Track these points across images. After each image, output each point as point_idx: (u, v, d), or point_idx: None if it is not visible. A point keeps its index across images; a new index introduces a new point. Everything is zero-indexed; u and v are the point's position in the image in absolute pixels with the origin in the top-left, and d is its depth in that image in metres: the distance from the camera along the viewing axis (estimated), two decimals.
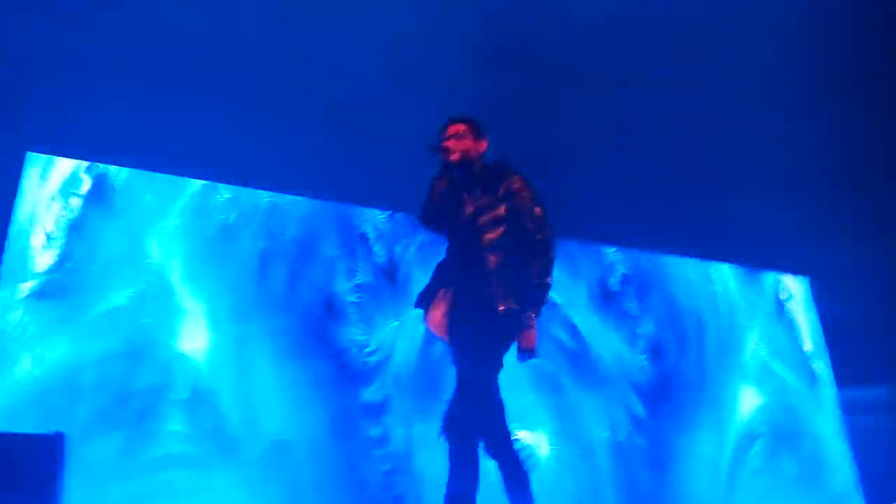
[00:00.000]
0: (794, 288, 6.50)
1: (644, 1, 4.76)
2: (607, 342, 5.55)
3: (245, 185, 4.88)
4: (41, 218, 4.37)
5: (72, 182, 4.50)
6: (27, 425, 3.87)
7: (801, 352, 6.32)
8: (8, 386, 4.04)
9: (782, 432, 5.90)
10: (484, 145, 3.16)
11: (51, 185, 4.46)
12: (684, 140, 5.35)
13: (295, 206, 4.98)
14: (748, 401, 5.91)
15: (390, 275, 5.06)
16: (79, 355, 4.20)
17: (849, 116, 5.31)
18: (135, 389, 4.24)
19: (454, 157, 3.08)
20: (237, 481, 4.27)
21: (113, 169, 4.59)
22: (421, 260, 5.02)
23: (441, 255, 3.12)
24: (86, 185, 4.52)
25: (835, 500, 5.83)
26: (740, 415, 5.83)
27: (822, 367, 6.31)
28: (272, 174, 4.89)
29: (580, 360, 5.39)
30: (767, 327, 6.26)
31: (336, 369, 4.72)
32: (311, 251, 4.93)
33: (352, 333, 4.84)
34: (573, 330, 5.46)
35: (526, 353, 2.89)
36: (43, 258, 4.31)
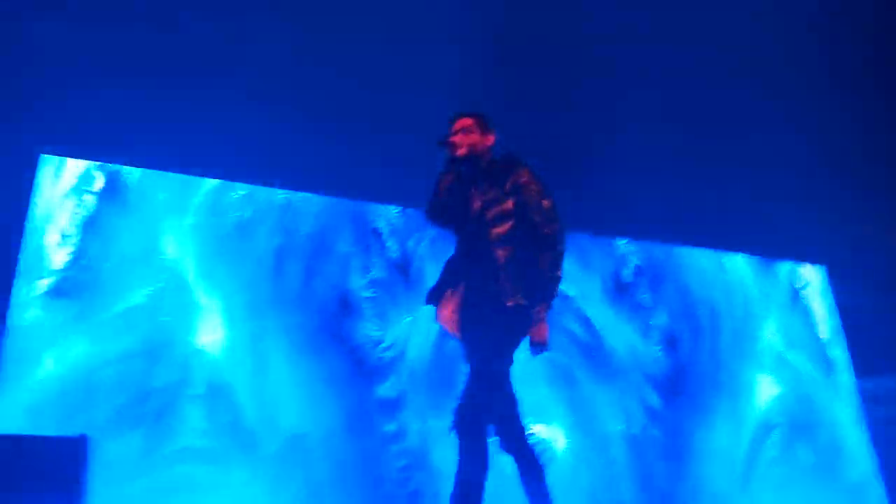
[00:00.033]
0: (811, 276, 6.46)
1: None
2: (621, 334, 5.54)
3: (258, 183, 4.90)
4: (56, 216, 4.42)
5: (86, 180, 4.55)
6: (49, 424, 3.95)
7: (818, 341, 6.28)
8: (30, 384, 4.09)
9: (799, 422, 5.87)
10: (491, 139, 3.14)
11: (65, 183, 4.50)
12: (698, 130, 5.31)
13: (309, 202, 5.00)
14: (764, 391, 5.88)
15: (404, 269, 5.08)
16: (97, 354, 4.25)
17: (866, 104, 5.25)
18: (153, 387, 4.29)
19: (461, 151, 3.06)
20: (255, 476, 4.31)
21: (126, 168, 4.64)
22: (433, 254, 5.03)
23: (451, 250, 3.10)
24: (99, 183, 4.56)
25: (853, 489, 5.80)
26: (756, 405, 5.81)
27: (839, 355, 6.27)
28: (285, 172, 4.91)
29: (594, 352, 5.38)
30: (783, 317, 6.23)
31: (351, 365, 4.75)
32: (326, 247, 4.96)
33: (366, 329, 4.87)
34: (587, 323, 5.45)
35: (538, 346, 2.87)
36: (59, 256, 4.36)
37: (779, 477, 5.59)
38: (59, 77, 4.42)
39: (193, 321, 4.52)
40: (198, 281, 4.60)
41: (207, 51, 4.53)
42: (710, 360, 5.79)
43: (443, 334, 4.65)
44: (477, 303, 2.92)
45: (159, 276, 4.52)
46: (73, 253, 4.38)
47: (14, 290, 4.22)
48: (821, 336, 6.30)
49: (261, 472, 4.33)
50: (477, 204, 3.01)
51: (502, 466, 2.83)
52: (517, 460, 2.85)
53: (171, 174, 4.72)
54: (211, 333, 4.53)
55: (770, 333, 6.11)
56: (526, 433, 2.91)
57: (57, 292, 4.30)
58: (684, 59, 4.99)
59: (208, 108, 4.62)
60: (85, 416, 4.07)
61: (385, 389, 4.77)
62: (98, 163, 4.58)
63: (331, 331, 4.78)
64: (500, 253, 2.89)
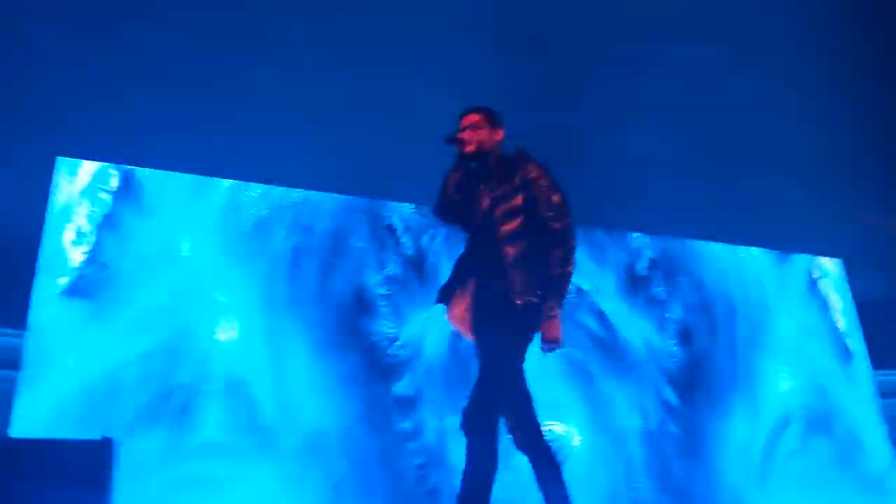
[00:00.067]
0: (827, 268, 6.41)
1: None
2: (637, 328, 5.53)
3: (273, 183, 4.93)
4: (74, 217, 4.47)
5: (103, 181, 4.59)
6: (72, 424, 4.04)
7: (835, 333, 6.24)
8: (53, 384, 4.16)
9: (817, 414, 5.84)
10: (500, 134, 3.09)
11: (82, 184, 4.55)
12: (713, 124, 5.27)
13: (324, 200, 5.03)
14: (781, 384, 5.86)
15: (418, 266, 5.09)
16: (119, 353, 4.31)
17: (883, 95, 5.19)
18: (174, 384, 4.35)
19: (469, 148, 3.02)
20: (273, 473, 4.35)
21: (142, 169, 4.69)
22: (448, 251, 5.04)
23: (463, 247, 3.08)
24: (116, 182, 4.60)
25: (873, 481, 5.77)
26: (773, 398, 5.78)
27: (857, 348, 6.22)
28: (299, 173, 4.93)
29: (610, 347, 5.37)
30: (800, 308, 6.19)
31: (367, 363, 4.78)
32: (342, 244, 4.98)
33: (382, 326, 4.89)
34: (602, 317, 5.45)
35: (550, 344, 2.83)
36: (78, 257, 4.41)
37: (797, 469, 5.56)
38: (74, 81, 4.46)
39: (212, 319, 4.57)
40: (216, 279, 4.65)
41: (220, 53, 4.55)
42: (727, 354, 5.76)
43: (458, 332, 4.67)
44: (487, 301, 2.89)
45: (178, 274, 4.57)
46: (91, 253, 4.44)
47: (34, 291, 4.28)
48: (838, 328, 6.25)
49: (279, 468, 4.37)
50: (486, 201, 2.98)
51: (519, 466, 2.83)
52: (532, 459, 2.83)
53: (186, 175, 4.77)
54: (229, 331, 4.58)
55: (787, 325, 6.08)
56: (541, 431, 2.87)
57: (77, 292, 4.36)
58: (699, 51, 4.95)
59: (221, 110, 4.64)
60: (108, 414, 4.14)
61: (402, 387, 4.80)
62: (113, 165, 4.62)
63: (347, 328, 4.81)
64: (510, 250, 2.85)
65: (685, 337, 5.66)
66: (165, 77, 4.56)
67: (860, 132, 5.36)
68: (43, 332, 4.22)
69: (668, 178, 5.38)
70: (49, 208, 4.44)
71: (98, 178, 4.58)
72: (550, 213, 2.88)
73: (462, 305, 2.97)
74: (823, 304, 6.30)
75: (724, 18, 4.87)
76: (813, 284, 6.32)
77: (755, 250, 6.17)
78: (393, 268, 5.04)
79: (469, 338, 2.98)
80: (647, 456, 5.16)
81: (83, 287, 4.37)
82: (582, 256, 5.48)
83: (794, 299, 6.21)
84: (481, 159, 3.05)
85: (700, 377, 5.57)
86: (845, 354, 6.19)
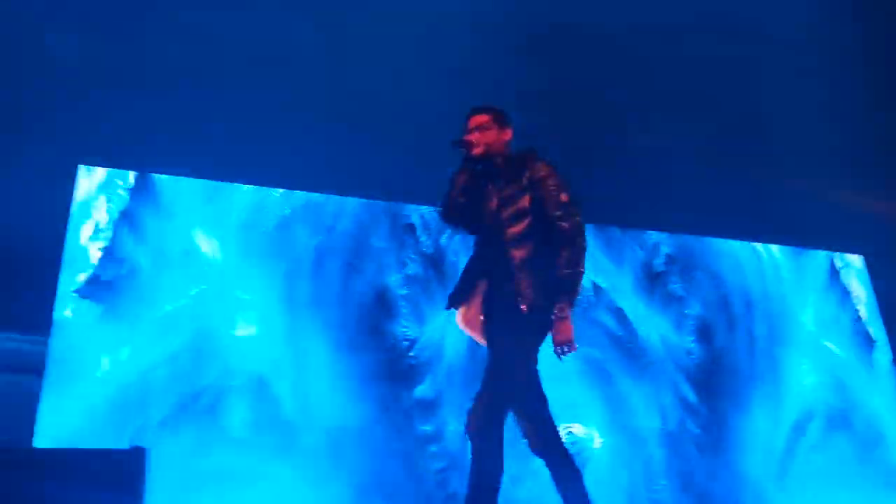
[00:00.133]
0: (849, 262, 6.34)
1: None
2: (655, 326, 5.52)
3: (295, 188, 4.97)
4: (96, 223, 4.54)
5: (126, 186, 4.65)
6: (99, 429, 4.13)
7: (855, 326, 6.17)
8: (80, 389, 4.25)
9: (838, 409, 5.79)
10: (508, 134, 3.06)
11: (104, 189, 4.62)
12: (731, 119, 5.25)
13: (345, 201, 5.05)
14: (802, 379, 5.81)
15: (438, 264, 5.12)
16: (147, 355, 4.40)
17: None
18: (201, 385, 4.42)
19: (477, 150, 2.99)
20: (295, 474, 4.40)
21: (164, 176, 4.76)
22: (467, 249, 5.04)
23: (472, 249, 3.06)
24: (138, 188, 4.67)
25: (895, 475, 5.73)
26: (794, 393, 5.74)
27: (879, 343, 6.16)
28: (317, 177, 4.96)
29: (628, 346, 5.37)
30: (820, 302, 6.13)
31: (388, 364, 4.81)
32: (363, 244, 5.01)
33: (403, 328, 4.92)
34: (620, 315, 5.43)
35: (562, 346, 2.75)
36: (100, 261, 4.48)
37: (819, 465, 5.52)
38: (93, 89, 4.53)
39: (236, 320, 4.63)
40: (238, 279, 4.71)
41: (239, 60, 4.60)
42: (746, 350, 5.73)
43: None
44: (496, 305, 2.87)
45: (201, 275, 4.63)
46: (114, 257, 4.51)
47: (59, 296, 4.35)
48: (859, 323, 6.19)
49: (301, 469, 4.42)
50: (493, 203, 2.95)
51: (538, 469, 2.84)
52: (549, 462, 2.80)
53: (207, 181, 4.83)
54: (251, 330, 4.64)
55: (806, 320, 6.03)
56: (558, 434, 2.84)
57: (100, 297, 4.43)
58: (717, 48, 4.93)
59: (241, 116, 4.69)
60: (134, 419, 4.26)
61: (422, 389, 4.83)
62: (136, 172, 4.70)
63: (368, 328, 4.85)
64: (516, 253, 2.82)
65: (703, 333, 5.63)
66: (184, 85, 4.62)
67: (881, 127, 5.31)
68: (66, 337, 4.30)
69: (685, 175, 5.37)
70: (71, 217, 4.51)
71: (117, 184, 4.64)
72: (558, 213, 2.83)
73: (473, 309, 2.94)
74: (844, 297, 6.23)
75: (741, 14, 4.85)
76: (833, 278, 6.25)
77: (774, 247, 6.12)
78: (413, 267, 5.06)
79: (481, 342, 2.95)
80: (667, 456, 5.15)
81: (106, 292, 4.44)
82: (598, 254, 5.51)
83: (813, 293, 6.15)
84: (489, 160, 3.01)
85: (719, 374, 5.54)
86: (866, 347, 6.13)
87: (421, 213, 5.17)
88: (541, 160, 2.97)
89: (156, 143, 4.66)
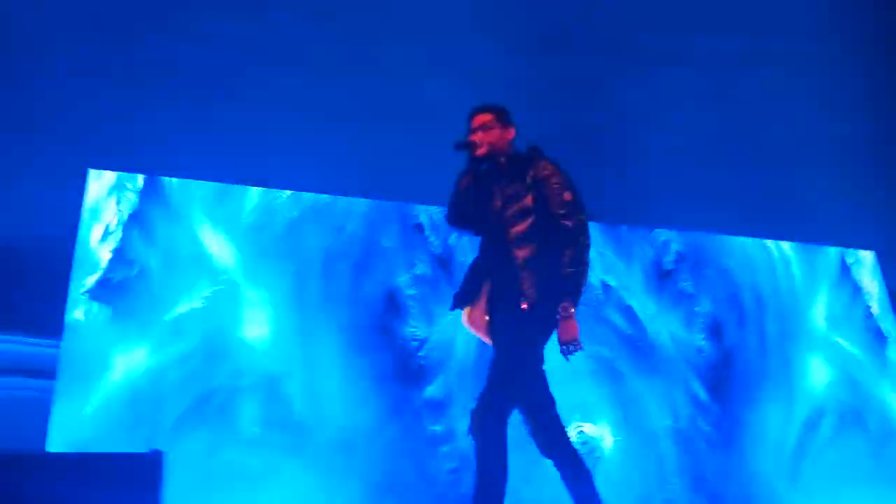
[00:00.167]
0: (860, 258, 6.30)
1: None
2: (665, 324, 5.50)
3: (301, 189, 4.99)
4: (107, 227, 4.57)
5: (135, 189, 4.67)
6: (112, 432, 4.16)
7: (868, 323, 6.13)
8: (92, 391, 4.27)
9: (850, 405, 5.76)
10: (511, 133, 3.06)
11: (115, 193, 4.64)
12: (740, 116, 5.22)
13: (354, 202, 5.07)
14: (813, 376, 5.78)
15: (446, 265, 5.12)
16: (159, 357, 4.43)
17: None
18: (213, 387, 4.44)
19: (481, 151, 2.99)
20: (307, 475, 4.42)
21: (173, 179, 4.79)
22: (475, 250, 5.05)
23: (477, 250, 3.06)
24: (148, 190, 4.68)
25: None
26: (805, 391, 5.72)
27: (891, 339, 6.12)
28: (327, 178, 4.98)
29: (638, 344, 5.35)
30: (831, 297, 6.10)
31: (399, 364, 4.82)
32: (372, 244, 5.02)
33: (413, 327, 4.93)
34: (629, 313, 5.43)
35: (567, 345, 2.75)
36: (110, 265, 4.51)
37: (832, 462, 5.49)
38: (102, 94, 4.56)
39: (246, 321, 4.65)
40: (247, 280, 4.72)
41: (244, 63, 4.61)
42: (757, 347, 5.70)
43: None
44: (501, 305, 2.87)
45: (213, 278, 4.66)
46: (123, 259, 4.54)
47: (70, 299, 4.38)
48: (871, 318, 6.15)
49: (313, 469, 4.44)
50: (498, 202, 2.95)
51: (547, 469, 2.83)
52: (558, 463, 2.79)
53: (217, 184, 4.85)
54: (261, 331, 4.65)
55: (818, 316, 6.00)
56: (566, 434, 2.83)
57: (112, 299, 4.46)
58: (723, 43, 4.91)
59: (250, 119, 4.71)
60: (150, 419, 4.30)
61: (433, 390, 4.83)
62: (145, 175, 4.73)
63: (378, 329, 4.85)
64: (520, 252, 2.82)
65: (714, 331, 5.61)
66: (192, 89, 4.64)
67: (893, 123, 5.26)
68: (79, 340, 4.32)
69: (693, 173, 5.34)
70: (81, 220, 4.55)
71: (126, 186, 4.67)
72: (562, 211, 2.83)
73: (478, 310, 2.95)
74: (855, 293, 6.19)
75: (749, 10, 4.83)
76: (844, 273, 6.21)
77: (784, 243, 6.09)
78: (422, 267, 5.07)
79: (488, 342, 2.95)
80: (679, 454, 5.14)
81: (117, 294, 4.47)
82: (607, 253, 5.51)
83: (824, 289, 6.12)
84: (493, 160, 3.02)
85: (730, 371, 5.52)
86: (878, 343, 6.10)
87: (430, 214, 5.18)
88: (544, 159, 2.97)
89: (165, 147, 4.69)
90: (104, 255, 4.53)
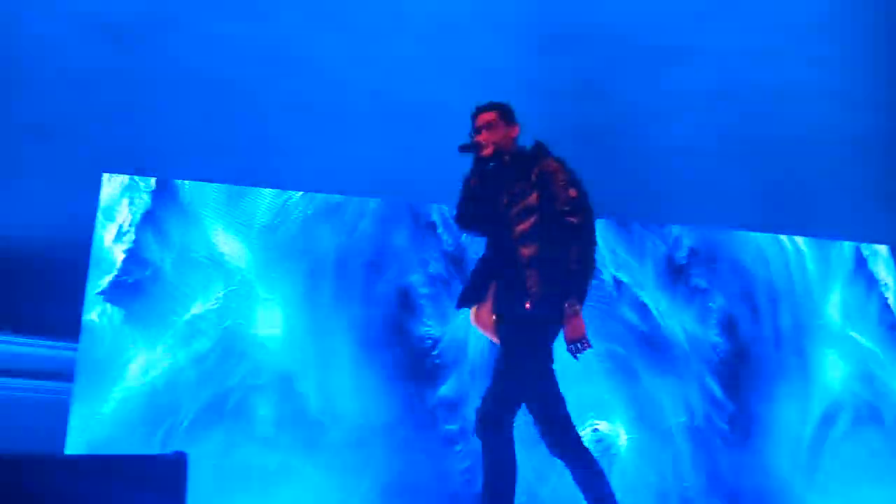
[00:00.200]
0: (876, 251, 6.25)
1: None
2: (679, 320, 5.48)
3: (314, 190, 5.01)
4: (120, 224, 4.61)
5: (145, 189, 4.70)
6: (137, 433, 4.22)
7: (883, 317, 6.09)
8: (119, 391, 4.33)
9: (866, 400, 5.72)
10: (516, 131, 3.05)
11: (129, 195, 4.67)
12: (751, 111, 5.19)
13: (366, 201, 5.08)
14: (829, 371, 5.75)
15: (459, 263, 5.13)
16: (176, 357, 4.48)
17: None
18: (228, 385, 4.48)
19: (486, 152, 2.99)
20: (324, 470, 4.46)
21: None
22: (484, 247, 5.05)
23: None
24: (161, 192, 4.71)
25: None
26: (821, 386, 5.68)
27: None
28: (338, 178, 4.99)
29: (652, 341, 5.34)
30: (845, 292, 6.05)
31: (412, 364, 4.83)
32: (384, 243, 5.03)
33: (426, 326, 4.94)
34: (643, 310, 5.41)
35: (574, 344, 2.72)
36: (124, 265, 4.55)
37: (848, 458, 5.46)
38: (116, 99, 4.59)
39: (260, 321, 4.68)
40: (260, 279, 4.75)
41: (254, 66, 4.63)
42: (772, 342, 5.67)
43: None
44: (506, 304, 2.86)
45: (227, 279, 4.69)
46: (141, 261, 4.58)
47: (86, 302, 4.42)
48: (887, 310, 6.11)
49: (328, 467, 4.48)
50: (503, 200, 2.94)
51: (561, 467, 2.82)
52: (568, 462, 2.77)
53: (227, 185, 4.88)
54: (274, 330, 4.69)
55: (833, 310, 5.95)
56: (576, 434, 2.82)
57: (127, 300, 4.50)
58: (735, 38, 4.89)
59: (260, 121, 4.73)
60: (167, 420, 4.34)
61: (447, 389, 4.84)
62: (157, 178, 4.76)
63: (392, 328, 4.87)
64: (524, 251, 2.81)
65: (728, 326, 5.58)
66: (203, 92, 4.67)
67: None
68: (95, 342, 4.37)
69: (706, 169, 5.32)
70: (97, 225, 4.58)
71: (140, 187, 4.70)
72: (567, 208, 2.81)
73: (486, 309, 2.95)
74: (870, 286, 6.14)
75: (760, 3, 4.80)
76: (859, 267, 6.16)
77: (798, 238, 6.04)
78: (435, 266, 5.08)
79: (496, 341, 2.95)
80: (695, 451, 5.13)
81: (132, 296, 4.51)
82: (619, 249, 5.49)
83: (839, 282, 6.07)
84: (499, 159, 3.01)
85: (744, 367, 5.48)
86: (894, 337, 6.05)
87: (442, 211, 5.19)
88: (549, 156, 2.96)
89: (177, 150, 4.72)
90: (118, 255, 4.56)
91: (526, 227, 2.84)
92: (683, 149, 5.26)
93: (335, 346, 4.74)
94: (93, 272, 4.49)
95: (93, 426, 4.26)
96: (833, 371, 5.75)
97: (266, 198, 4.92)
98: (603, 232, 5.23)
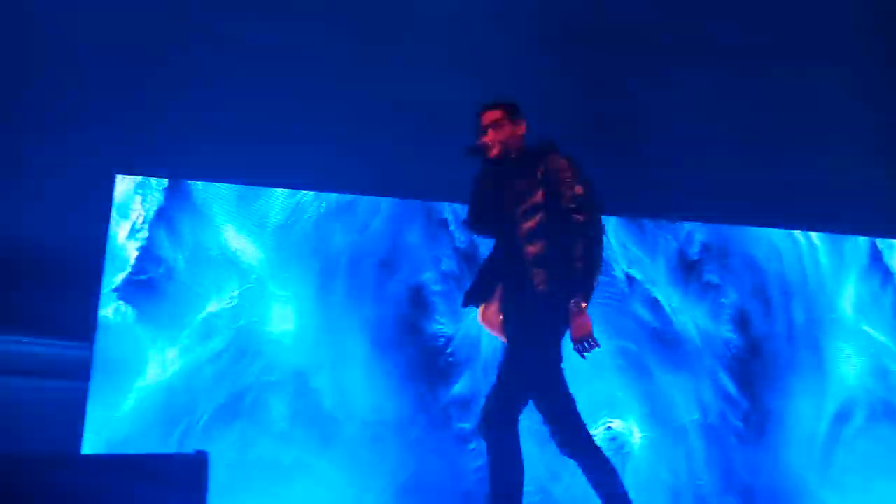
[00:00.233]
0: (892, 244, 6.19)
1: None
2: (691, 316, 5.47)
3: (326, 190, 5.03)
4: (134, 222, 4.65)
5: (162, 190, 4.74)
6: (154, 431, 4.26)
7: None
8: (135, 390, 4.38)
9: (881, 396, 5.69)
10: (523, 127, 3.03)
11: (143, 195, 4.71)
12: (763, 106, 5.16)
13: (378, 200, 5.10)
14: (843, 366, 5.72)
15: (471, 260, 5.14)
16: (192, 355, 4.52)
17: None
18: (244, 384, 4.53)
19: (494, 152, 2.98)
20: (338, 467, 4.50)
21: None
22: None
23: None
24: (175, 192, 4.75)
25: None
26: (835, 382, 5.66)
27: None
28: (350, 177, 5.00)
29: (665, 338, 5.33)
30: (859, 287, 6.01)
31: (426, 362, 4.85)
32: (397, 241, 5.04)
33: (439, 324, 4.95)
34: (655, 306, 5.40)
35: (580, 342, 2.68)
36: (138, 265, 4.60)
37: (864, 454, 5.43)
38: (129, 100, 4.63)
39: (275, 319, 4.71)
40: (274, 278, 4.78)
41: (265, 65, 4.64)
42: (785, 337, 5.65)
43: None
44: (513, 303, 2.85)
45: (241, 278, 4.73)
46: (154, 260, 4.63)
47: (101, 301, 4.47)
48: None
49: (342, 464, 4.52)
50: (510, 199, 2.92)
51: (574, 466, 2.82)
52: (580, 462, 2.76)
53: (241, 185, 4.91)
54: (290, 326, 4.72)
55: (847, 304, 5.91)
56: (587, 433, 2.80)
57: (142, 300, 4.55)
58: (746, 33, 4.86)
59: (270, 120, 4.75)
60: (184, 418, 4.40)
61: (460, 387, 4.86)
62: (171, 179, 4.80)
63: (404, 326, 4.89)
64: (530, 249, 2.79)
65: (741, 322, 5.56)
66: (213, 94, 4.69)
67: None
68: (111, 341, 4.42)
69: (718, 165, 5.30)
70: (110, 225, 4.61)
71: (151, 185, 4.73)
72: (573, 205, 2.78)
73: (492, 307, 2.93)
74: (886, 280, 6.09)
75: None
76: (873, 261, 6.11)
77: (811, 233, 6.01)
78: (447, 263, 5.09)
79: (504, 339, 2.94)
80: (708, 448, 5.12)
81: (146, 295, 4.56)
82: (630, 246, 5.48)
83: (852, 277, 6.02)
84: (506, 157, 2.99)
85: (758, 363, 5.46)
86: None
87: (454, 209, 5.20)
88: (556, 153, 2.93)
89: (190, 150, 4.75)
90: (132, 252, 4.61)
91: (532, 225, 2.82)
92: (695, 144, 5.24)
93: (348, 344, 4.77)
94: (108, 269, 4.52)
95: (110, 425, 4.31)
96: (847, 366, 5.72)
97: (278, 198, 4.95)
98: (614, 228, 5.23)
